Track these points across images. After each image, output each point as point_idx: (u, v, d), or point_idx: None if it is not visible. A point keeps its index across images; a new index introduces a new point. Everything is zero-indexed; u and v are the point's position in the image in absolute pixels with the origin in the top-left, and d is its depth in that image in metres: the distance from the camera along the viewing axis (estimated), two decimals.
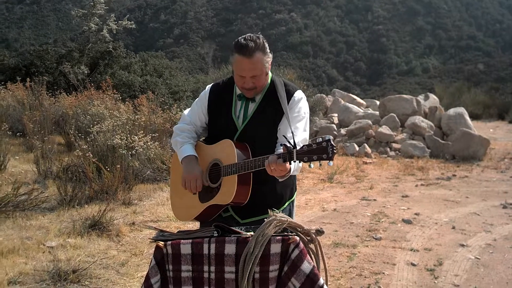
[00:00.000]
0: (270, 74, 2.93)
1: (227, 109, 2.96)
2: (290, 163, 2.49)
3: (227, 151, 2.82)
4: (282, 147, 2.48)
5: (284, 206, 2.98)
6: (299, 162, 2.46)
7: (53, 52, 17.78)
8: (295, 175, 3.00)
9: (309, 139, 2.83)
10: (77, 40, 21.42)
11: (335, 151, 2.38)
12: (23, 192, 6.17)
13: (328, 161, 2.39)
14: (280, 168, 2.48)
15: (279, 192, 2.93)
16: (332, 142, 2.38)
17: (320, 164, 2.41)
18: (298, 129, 2.80)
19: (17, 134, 10.11)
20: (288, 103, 2.85)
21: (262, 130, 2.85)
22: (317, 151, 2.38)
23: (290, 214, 3.02)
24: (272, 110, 2.86)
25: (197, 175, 2.88)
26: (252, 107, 2.92)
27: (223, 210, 2.92)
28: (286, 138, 2.49)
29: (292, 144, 2.45)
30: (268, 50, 2.81)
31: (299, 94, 2.93)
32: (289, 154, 2.44)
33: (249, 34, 2.81)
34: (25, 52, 21.56)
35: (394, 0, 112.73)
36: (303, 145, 2.43)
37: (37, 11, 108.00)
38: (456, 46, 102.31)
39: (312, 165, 2.42)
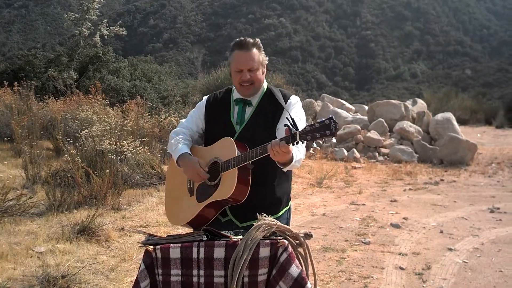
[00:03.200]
0: (265, 82, 3.02)
1: (224, 113, 3.02)
2: (293, 145, 2.51)
3: (227, 148, 2.83)
4: (285, 129, 2.49)
5: (282, 212, 3.00)
6: (302, 142, 2.50)
7: (41, 57, 17.59)
8: (290, 182, 3.07)
9: None
10: (66, 44, 21.25)
11: (338, 127, 2.42)
12: (12, 197, 6.12)
13: (331, 137, 2.43)
14: (283, 150, 2.49)
15: (277, 196, 2.96)
16: (334, 119, 2.42)
17: (323, 143, 2.44)
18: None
19: (5, 139, 10.02)
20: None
21: (260, 133, 2.88)
22: (320, 129, 2.42)
23: (287, 222, 3.05)
24: (269, 112, 2.93)
25: (196, 168, 2.87)
26: (249, 110, 2.98)
27: (221, 214, 2.92)
28: (288, 120, 2.50)
29: (292, 124, 2.48)
30: (263, 52, 2.94)
31: (294, 99, 3.02)
32: (292, 136, 2.46)
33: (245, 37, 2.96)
34: (13, 56, 21.38)
35: (383, 6, 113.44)
36: (306, 125, 2.48)
37: (25, 15, 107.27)
38: (444, 52, 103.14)
39: (315, 144, 2.45)
